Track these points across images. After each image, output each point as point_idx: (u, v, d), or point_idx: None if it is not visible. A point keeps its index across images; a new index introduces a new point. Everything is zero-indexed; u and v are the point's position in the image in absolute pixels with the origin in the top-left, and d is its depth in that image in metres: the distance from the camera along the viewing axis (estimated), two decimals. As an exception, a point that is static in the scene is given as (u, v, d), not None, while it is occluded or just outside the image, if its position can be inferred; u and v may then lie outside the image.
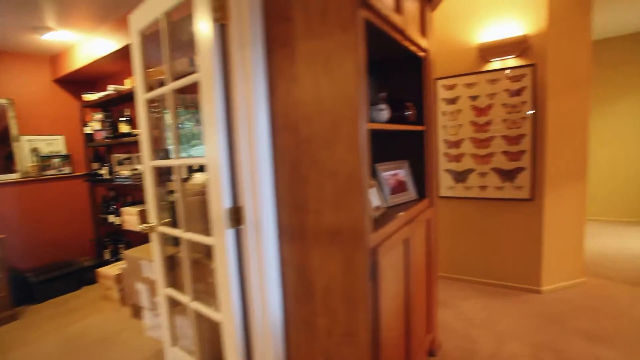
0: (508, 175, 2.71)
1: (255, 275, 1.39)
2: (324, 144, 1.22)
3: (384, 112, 1.63)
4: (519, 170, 2.67)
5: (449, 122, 2.90)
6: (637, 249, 3.58)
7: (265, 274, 1.37)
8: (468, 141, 2.84)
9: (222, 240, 1.39)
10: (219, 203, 1.37)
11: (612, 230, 4.27)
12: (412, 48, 1.65)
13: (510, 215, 2.78)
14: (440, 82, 2.89)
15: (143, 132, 1.78)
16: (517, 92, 2.61)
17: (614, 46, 4.46)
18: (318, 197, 1.26)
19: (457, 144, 2.89)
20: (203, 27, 1.32)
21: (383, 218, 1.46)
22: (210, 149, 1.38)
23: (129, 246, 3.55)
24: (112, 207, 3.54)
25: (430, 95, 1.88)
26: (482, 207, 2.88)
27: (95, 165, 3.75)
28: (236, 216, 1.37)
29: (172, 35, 1.56)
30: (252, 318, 1.41)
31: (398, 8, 1.44)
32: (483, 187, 2.82)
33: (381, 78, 1.97)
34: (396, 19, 1.40)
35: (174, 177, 1.67)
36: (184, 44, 1.85)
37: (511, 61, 2.63)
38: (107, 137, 3.42)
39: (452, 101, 2.86)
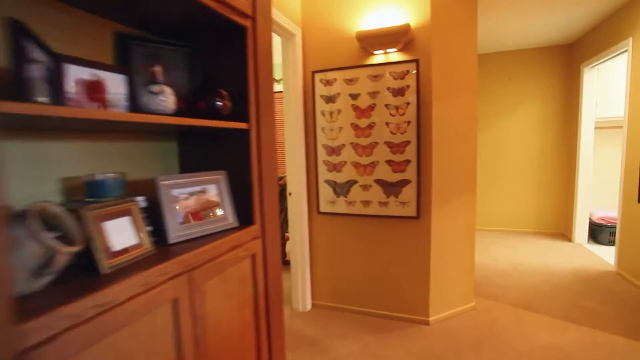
0: (393, 188, 2.33)
1: None
2: None
3: (163, 98, 1.05)
4: (404, 183, 2.30)
5: (327, 124, 2.45)
6: (527, 264, 3.50)
7: None
8: (349, 147, 2.41)
9: None
10: None
11: (505, 242, 4.25)
12: (211, 4, 1.10)
13: (396, 235, 2.40)
14: (318, 76, 2.42)
15: None
16: (401, 91, 2.24)
17: (503, 60, 4.52)
18: None
19: (337, 150, 2.45)
20: None
21: (129, 269, 0.86)
22: None
23: None
24: None
25: (261, 81, 1.36)
26: (366, 226, 2.47)
27: None
28: None
29: None
30: None
31: None
32: (366, 203, 2.41)
33: (196, 55, 1.39)
34: None
35: None
36: None
37: (394, 55, 2.26)
38: None
39: (332, 99, 2.41)
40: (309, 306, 2.69)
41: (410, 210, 2.30)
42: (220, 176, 1.31)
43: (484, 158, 4.76)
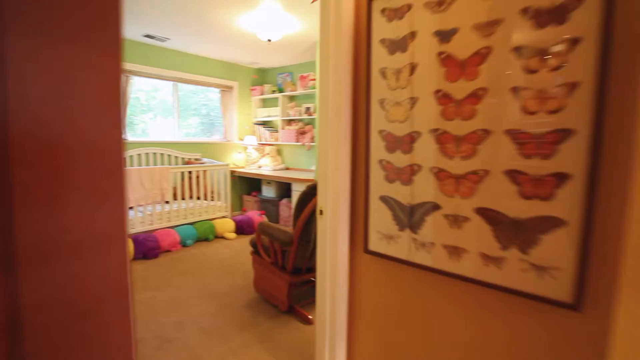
0: (518, 232, 1.08)
1: None
2: None
3: None
4: (549, 223, 1.03)
5: (391, 94, 1.32)
6: None
7: None
8: (429, 138, 1.24)
9: None
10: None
11: None
12: None
13: (517, 332, 1.14)
14: (379, 4, 1.31)
15: None
16: (557, 16, 0.97)
17: None
18: None
19: (405, 142, 1.30)
20: None
21: None
22: None
23: None
24: None
25: None
26: (451, 294, 1.27)
27: None
28: None
29: None
30: None
31: None
32: (456, 251, 1.21)
33: None
34: None
35: None
36: None
37: None
38: None
39: (400, 46, 1.27)
40: (343, 398, 1.64)
41: (559, 287, 1.02)
42: None
43: None
